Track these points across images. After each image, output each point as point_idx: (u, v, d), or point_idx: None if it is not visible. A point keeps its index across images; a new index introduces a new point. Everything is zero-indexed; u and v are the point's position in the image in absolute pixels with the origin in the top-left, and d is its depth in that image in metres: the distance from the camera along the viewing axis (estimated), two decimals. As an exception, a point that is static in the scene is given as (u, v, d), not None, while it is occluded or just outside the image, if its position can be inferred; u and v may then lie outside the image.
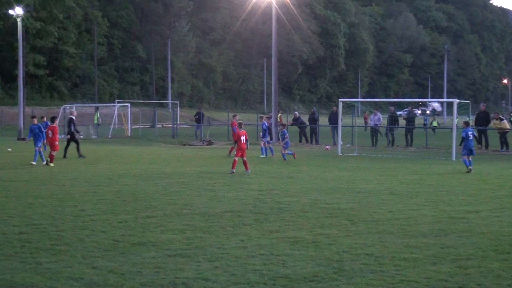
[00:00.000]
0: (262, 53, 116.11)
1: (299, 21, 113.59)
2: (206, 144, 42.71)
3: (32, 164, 26.53)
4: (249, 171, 23.80)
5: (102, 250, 10.93)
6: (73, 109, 35.66)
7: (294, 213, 14.79)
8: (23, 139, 49.51)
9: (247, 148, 24.99)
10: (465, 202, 16.96)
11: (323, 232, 12.67)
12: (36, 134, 27.66)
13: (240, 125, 24.77)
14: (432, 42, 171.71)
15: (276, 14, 47.25)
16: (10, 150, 35.03)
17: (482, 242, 11.88)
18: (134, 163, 27.79)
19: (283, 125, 33.24)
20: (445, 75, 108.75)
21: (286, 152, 30.41)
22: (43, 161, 26.97)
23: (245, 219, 13.95)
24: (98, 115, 58.98)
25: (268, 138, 33.46)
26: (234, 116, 35.78)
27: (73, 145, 30.96)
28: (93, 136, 53.68)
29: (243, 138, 24.01)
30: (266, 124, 33.83)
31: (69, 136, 31.23)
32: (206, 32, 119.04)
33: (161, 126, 67.05)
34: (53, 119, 28.29)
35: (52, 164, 26.35)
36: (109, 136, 51.82)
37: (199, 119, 49.93)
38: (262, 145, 32.60)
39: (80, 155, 30.41)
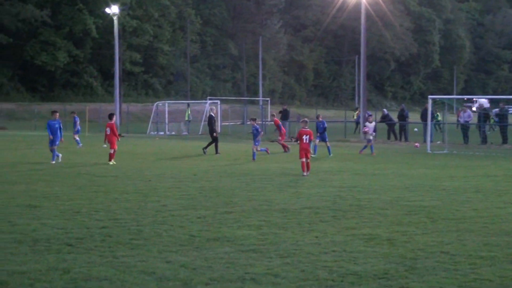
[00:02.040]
0: (354, 50, 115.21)
1: (391, 18, 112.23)
2: (294, 141, 42.69)
3: (52, 163, 25.78)
4: (306, 174, 21.83)
5: (178, 245, 11.10)
6: (213, 107, 36.31)
7: (373, 210, 14.64)
8: (119, 135, 50.94)
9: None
10: (555, 201, 16.40)
11: (400, 229, 12.49)
12: (55, 130, 26.21)
13: (305, 123, 23.32)
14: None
15: (366, 10, 46.83)
16: (105, 146, 36.04)
17: None
18: (219, 160, 28.11)
19: (254, 120, 30.94)
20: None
21: (259, 149, 29.09)
22: (53, 159, 26.01)
23: (323, 216, 13.91)
24: (189, 112, 59.93)
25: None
26: (272, 116, 35.70)
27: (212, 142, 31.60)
28: (184, 133, 54.67)
29: (305, 137, 22.41)
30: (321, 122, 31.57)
31: (215, 134, 31.64)
32: (298, 29, 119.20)
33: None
34: (110, 116, 27.25)
35: (112, 163, 25.58)
36: (200, 133, 52.57)
37: (285, 116, 49.91)
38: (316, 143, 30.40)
39: (217, 152, 30.89)
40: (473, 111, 50.42)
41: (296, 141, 22.63)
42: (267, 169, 24.03)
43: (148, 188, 18.35)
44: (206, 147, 31.11)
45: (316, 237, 11.79)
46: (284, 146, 33.55)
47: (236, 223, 13.08)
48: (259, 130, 29.51)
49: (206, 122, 34.08)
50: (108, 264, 9.83)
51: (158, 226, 12.78)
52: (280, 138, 35.38)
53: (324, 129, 31.24)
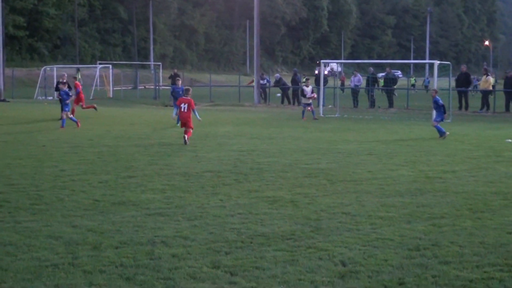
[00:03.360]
0: (245, 15, 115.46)
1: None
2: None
3: None
4: (188, 143, 20.27)
5: (82, 210, 11.00)
6: (64, 74, 34.94)
7: (274, 173, 14.90)
8: (3, 100, 49.31)
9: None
10: (442, 162, 17.14)
11: (302, 191, 12.80)
12: None
13: (187, 91, 21.65)
14: (415, 3, 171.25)
15: (258, -26, 46.90)
16: None
17: (457, 201, 12.06)
18: (115, 124, 27.75)
19: (64, 83, 28.50)
20: (428, 36, 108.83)
21: (69, 116, 26.76)
22: None
23: (225, 179, 14.06)
24: (79, 77, 58.56)
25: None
26: (74, 78, 33.93)
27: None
28: (74, 97, 53.41)
29: (183, 106, 20.85)
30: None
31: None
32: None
33: (143, 87, 66.82)
34: None
35: None
36: (91, 98, 51.51)
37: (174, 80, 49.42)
38: None
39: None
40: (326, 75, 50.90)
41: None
42: (164, 133, 23.97)
43: (42, 154, 17.96)
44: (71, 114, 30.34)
45: (221, 200, 11.94)
46: (91, 107, 32.62)
47: (139, 187, 13.05)
48: (69, 94, 27.76)
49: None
50: (11, 229, 9.66)
51: (58, 191, 12.59)
52: (81, 104, 33.40)
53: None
